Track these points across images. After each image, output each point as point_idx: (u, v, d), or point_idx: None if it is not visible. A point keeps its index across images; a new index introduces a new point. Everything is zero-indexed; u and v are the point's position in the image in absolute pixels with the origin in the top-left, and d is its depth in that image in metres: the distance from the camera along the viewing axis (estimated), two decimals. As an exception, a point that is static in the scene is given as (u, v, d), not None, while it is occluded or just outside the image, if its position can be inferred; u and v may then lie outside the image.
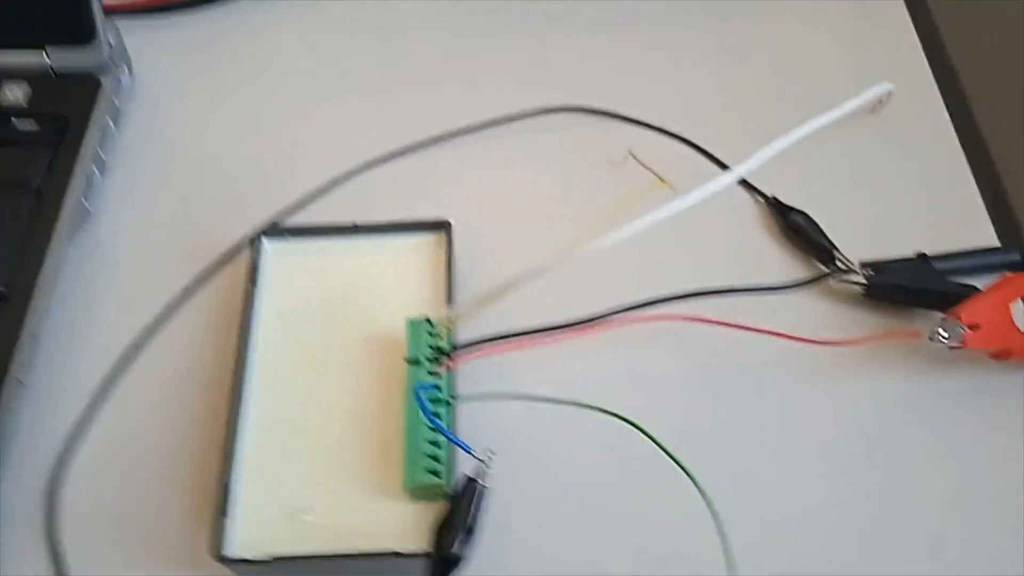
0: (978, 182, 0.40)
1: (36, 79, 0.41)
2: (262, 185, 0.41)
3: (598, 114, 0.43)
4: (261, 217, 0.40)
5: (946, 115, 0.42)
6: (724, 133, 0.42)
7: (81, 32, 0.41)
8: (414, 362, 0.32)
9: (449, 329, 0.33)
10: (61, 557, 0.32)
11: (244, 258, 0.38)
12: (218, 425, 0.33)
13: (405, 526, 0.31)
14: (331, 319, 0.35)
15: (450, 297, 0.35)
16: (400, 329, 0.34)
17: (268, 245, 0.37)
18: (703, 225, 0.38)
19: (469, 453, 0.29)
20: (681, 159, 0.41)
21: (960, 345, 0.33)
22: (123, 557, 0.32)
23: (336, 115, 0.44)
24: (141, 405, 0.36)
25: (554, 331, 0.31)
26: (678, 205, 0.31)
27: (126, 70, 0.43)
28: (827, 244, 0.37)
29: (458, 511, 0.29)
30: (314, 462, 0.32)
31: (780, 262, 0.38)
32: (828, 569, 0.31)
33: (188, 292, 0.38)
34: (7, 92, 0.41)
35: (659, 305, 0.33)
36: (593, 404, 0.29)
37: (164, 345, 0.37)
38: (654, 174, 0.36)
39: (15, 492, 0.34)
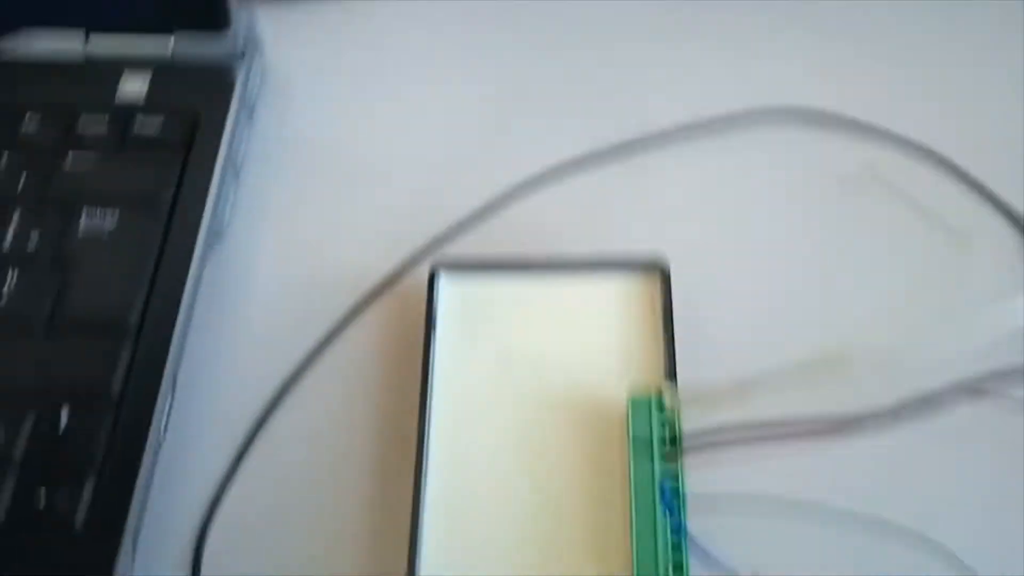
0: None
1: (160, 70, 0.35)
2: (419, 200, 0.35)
3: (826, 117, 0.36)
4: (420, 238, 0.34)
5: None
6: (988, 153, 0.34)
7: (214, 15, 0.34)
8: (642, 445, 0.27)
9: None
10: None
11: (406, 284, 0.33)
12: (390, 490, 0.29)
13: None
14: (517, 374, 0.30)
15: (670, 363, 0.29)
16: (609, 396, 0.28)
17: (444, 278, 0.31)
18: (954, 264, 0.31)
19: (727, 570, 0.24)
20: (934, 185, 0.34)
21: None
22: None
23: (503, 121, 0.37)
24: (292, 457, 0.31)
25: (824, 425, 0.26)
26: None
27: (260, 62, 0.37)
28: None
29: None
30: (514, 557, 0.27)
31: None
32: None
33: (340, 327, 0.33)
34: (126, 84, 0.35)
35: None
36: (866, 511, 0.24)
37: (318, 387, 0.32)
38: (935, 220, 0.29)
39: (156, 556, 0.29)
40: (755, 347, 0.29)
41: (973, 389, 0.26)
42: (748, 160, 0.35)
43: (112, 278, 0.31)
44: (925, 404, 0.26)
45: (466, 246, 0.34)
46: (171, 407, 0.31)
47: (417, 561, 0.26)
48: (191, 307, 0.32)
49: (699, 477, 0.27)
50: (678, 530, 0.25)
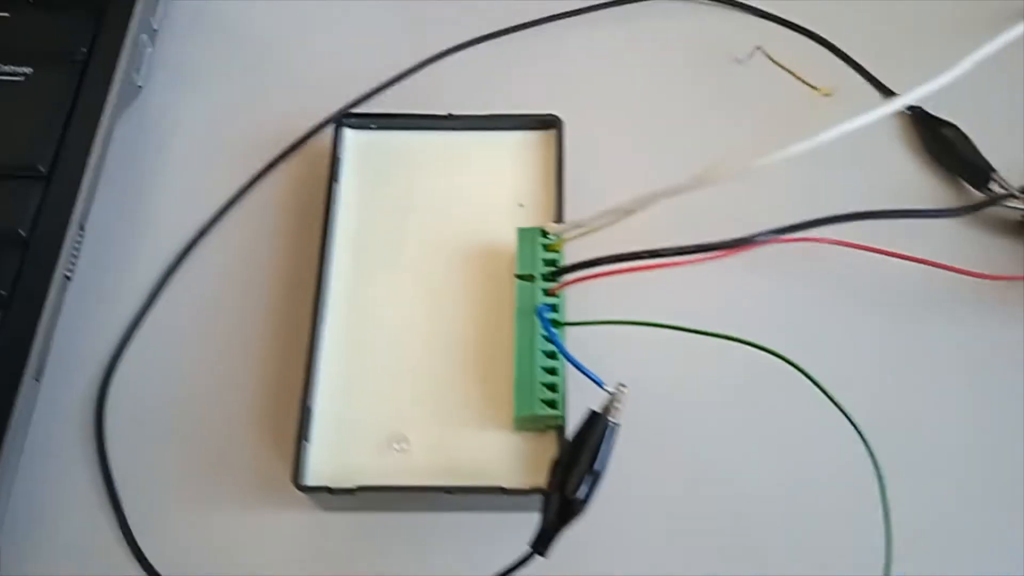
0: None
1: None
2: (336, 63, 0.36)
3: (721, 3, 0.38)
4: (334, 101, 0.35)
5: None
6: (865, 33, 0.36)
7: None
8: (525, 278, 0.28)
9: (566, 243, 0.29)
10: (109, 468, 0.29)
11: (315, 147, 0.34)
12: (291, 333, 0.30)
13: (512, 461, 0.27)
14: (423, 223, 0.31)
15: (559, 205, 0.30)
16: (502, 239, 0.30)
17: (350, 134, 0.32)
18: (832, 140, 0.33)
19: (599, 386, 0.25)
20: (816, 63, 0.36)
21: None
22: (181, 475, 0.29)
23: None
24: (200, 306, 0.32)
25: (690, 253, 0.27)
26: (848, 127, 0.26)
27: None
28: (983, 163, 0.33)
29: (582, 450, 0.25)
30: (407, 385, 0.29)
31: (921, 182, 0.34)
32: (979, 514, 0.28)
33: (253, 182, 0.34)
34: (41, -56, 0.35)
35: (802, 229, 0.29)
36: (733, 334, 0.26)
37: (228, 240, 0.33)
38: (798, 78, 0.31)
39: (60, 398, 0.30)
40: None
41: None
42: (647, 37, 0.37)
43: (24, 127, 0.32)
44: (778, 234, 0.28)
45: (376, 109, 0.35)
46: (78, 249, 0.32)
47: (312, 390, 0.28)
48: (102, 157, 0.33)
49: (577, 304, 0.29)
50: (553, 353, 0.27)
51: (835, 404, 0.25)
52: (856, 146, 0.34)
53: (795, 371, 0.25)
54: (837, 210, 0.30)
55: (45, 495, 0.29)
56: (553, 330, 0.26)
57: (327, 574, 0.28)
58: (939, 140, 0.34)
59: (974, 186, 0.33)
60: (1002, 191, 0.32)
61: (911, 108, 0.35)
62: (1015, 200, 0.32)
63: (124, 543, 0.28)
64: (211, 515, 0.28)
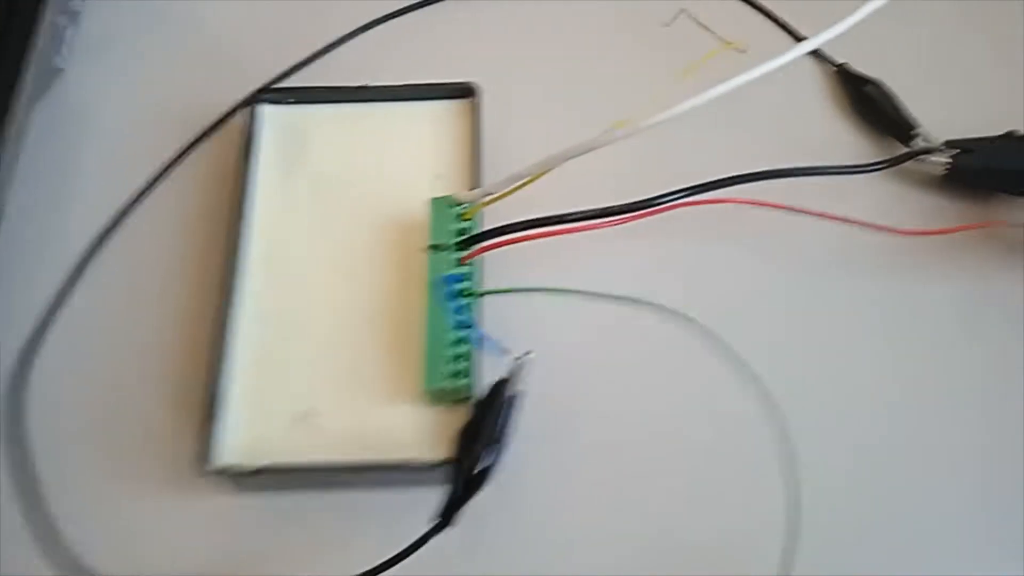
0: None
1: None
2: (258, 41, 0.36)
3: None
4: (257, 79, 0.35)
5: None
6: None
7: None
8: (437, 248, 0.28)
9: (479, 211, 0.29)
10: (27, 457, 0.29)
11: (236, 125, 0.33)
12: (209, 315, 0.30)
13: (423, 434, 0.27)
14: (339, 198, 0.31)
15: (477, 174, 0.30)
16: (420, 211, 0.29)
17: (266, 110, 0.32)
18: (758, 97, 0.33)
19: (502, 355, 0.25)
20: (740, 21, 0.36)
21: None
22: (98, 461, 0.29)
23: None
24: (120, 290, 0.32)
25: (597, 217, 0.27)
26: (747, 77, 0.26)
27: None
28: (906, 119, 0.32)
29: (486, 419, 0.25)
30: (320, 361, 0.28)
31: (847, 140, 0.34)
32: (896, 479, 0.28)
33: (173, 163, 0.34)
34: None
35: (715, 189, 0.29)
36: (645, 298, 0.25)
37: (146, 223, 0.33)
38: (716, 36, 0.31)
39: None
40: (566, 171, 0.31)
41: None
42: (574, 2, 0.36)
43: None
44: (693, 192, 0.28)
45: (299, 83, 0.35)
46: (-5, 233, 0.31)
47: (221, 372, 0.28)
48: (17, 142, 0.33)
49: (500, 271, 0.29)
50: (462, 323, 0.27)
51: (745, 366, 0.25)
52: (783, 105, 0.34)
53: (706, 334, 0.25)
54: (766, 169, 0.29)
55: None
56: (455, 300, 0.26)
57: (242, 553, 0.28)
58: (863, 97, 0.33)
59: (900, 142, 0.33)
60: (922, 146, 0.32)
61: (836, 66, 0.34)
62: (939, 154, 0.31)
63: (45, 531, 0.28)
64: (131, 500, 0.28)
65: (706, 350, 0.25)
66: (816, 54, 0.35)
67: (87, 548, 0.28)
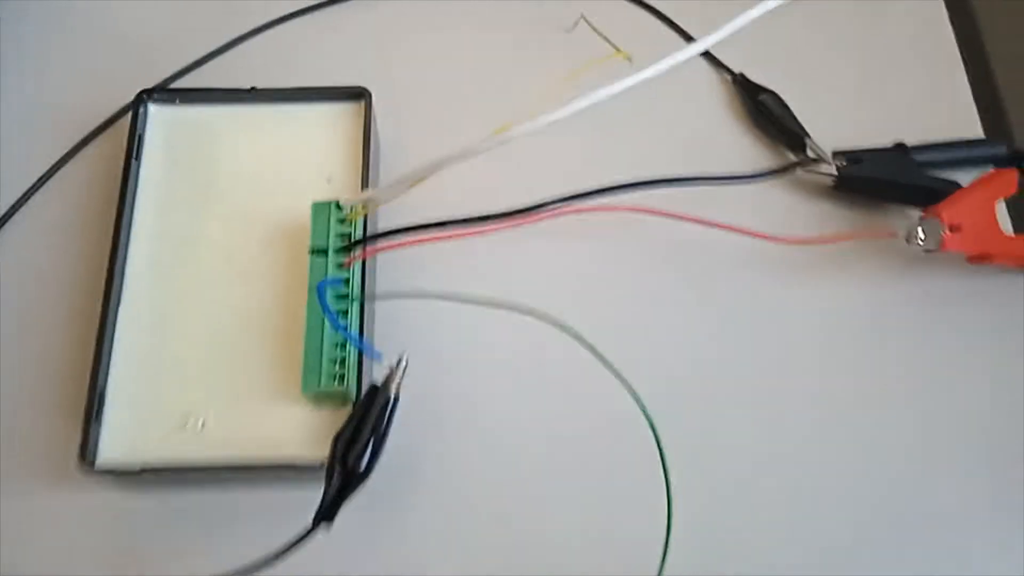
0: (966, 65, 0.36)
1: None
2: (152, 43, 0.35)
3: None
4: (148, 79, 0.34)
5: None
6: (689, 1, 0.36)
7: None
8: (319, 252, 0.28)
9: (363, 215, 0.28)
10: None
11: (125, 125, 0.33)
12: (92, 318, 0.29)
13: (304, 436, 0.27)
14: (228, 200, 0.30)
15: (366, 178, 0.30)
16: (307, 215, 0.29)
17: (153, 111, 0.31)
18: (660, 104, 0.33)
19: (374, 359, 0.25)
20: (641, 28, 0.36)
21: (938, 248, 0.29)
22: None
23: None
24: (3, 292, 0.31)
25: (484, 221, 0.27)
26: (633, 80, 0.26)
27: None
28: (798, 129, 0.33)
29: (364, 422, 0.25)
30: (203, 364, 0.28)
31: (744, 148, 0.34)
32: (781, 484, 0.28)
33: (59, 164, 0.33)
34: None
35: (606, 195, 0.29)
36: (525, 306, 0.25)
37: (31, 223, 0.32)
38: (608, 43, 0.31)
39: None
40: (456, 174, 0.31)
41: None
42: (476, 8, 0.36)
43: None
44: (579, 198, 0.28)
45: (192, 85, 0.34)
46: None
47: (102, 372, 0.27)
48: None
49: (389, 275, 0.29)
50: (337, 328, 0.27)
51: (614, 373, 0.24)
52: (683, 113, 0.34)
53: (580, 340, 0.25)
54: (651, 175, 0.29)
55: None
56: (328, 304, 0.26)
57: (126, 549, 0.27)
58: (759, 107, 0.34)
59: (791, 151, 0.33)
60: (812, 156, 0.32)
61: (733, 75, 0.35)
62: (826, 164, 0.32)
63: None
64: (14, 499, 0.28)
65: (579, 356, 0.25)
66: (715, 62, 0.35)
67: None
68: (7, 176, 0.33)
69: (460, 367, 0.29)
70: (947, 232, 0.29)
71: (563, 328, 0.25)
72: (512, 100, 0.33)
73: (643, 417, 0.24)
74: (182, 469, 0.26)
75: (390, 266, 0.30)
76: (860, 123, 0.34)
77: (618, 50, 0.30)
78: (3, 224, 0.32)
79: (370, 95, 0.31)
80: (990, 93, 0.35)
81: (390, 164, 0.31)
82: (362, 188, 0.30)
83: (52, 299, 0.31)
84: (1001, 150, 0.33)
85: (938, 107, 0.35)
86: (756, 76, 0.35)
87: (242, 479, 0.27)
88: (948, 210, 0.29)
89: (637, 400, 0.24)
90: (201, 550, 0.27)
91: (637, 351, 0.25)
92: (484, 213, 0.27)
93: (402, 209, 0.28)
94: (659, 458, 0.24)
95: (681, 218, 0.29)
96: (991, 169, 0.32)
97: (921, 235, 0.29)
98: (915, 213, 0.31)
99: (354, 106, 0.31)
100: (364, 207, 0.28)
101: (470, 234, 0.27)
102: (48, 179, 0.33)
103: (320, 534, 0.24)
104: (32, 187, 0.32)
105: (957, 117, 0.35)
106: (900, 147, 0.32)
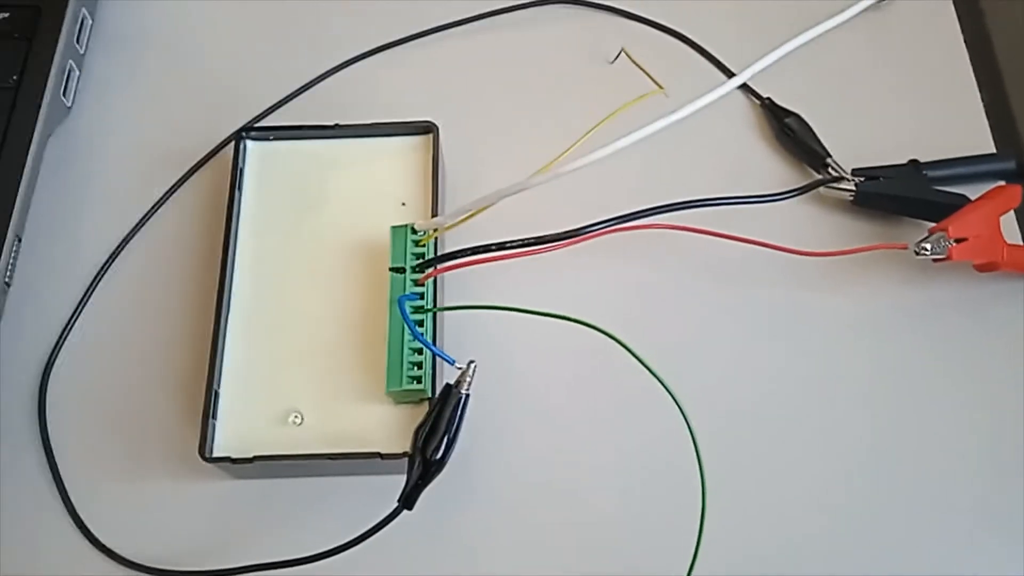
0: (980, 86, 0.39)
1: (2, -35, 0.39)
2: (246, 83, 0.40)
3: (594, 7, 0.41)
4: (244, 116, 0.39)
5: (952, 12, 0.41)
6: (723, 31, 0.40)
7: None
8: (397, 271, 0.32)
9: (434, 238, 0.33)
10: (51, 453, 0.33)
11: (226, 158, 0.38)
12: (204, 325, 0.34)
13: (388, 430, 0.32)
14: (316, 223, 0.35)
15: (436, 203, 0.34)
16: (386, 236, 0.33)
17: (251, 146, 0.36)
18: (694, 128, 0.36)
19: (449, 363, 0.30)
20: (678, 58, 0.40)
21: (945, 258, 0.33)
22: (112, 453, 0.33)
23: (317, 10, 0.42)
24: (127, 304, 0.36)
25: (539, 243, 0.31)
26: (674, 117, 0.30)
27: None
28: (820, 149, 0.36)
29: (440, 417, 0.29)
30: (300, 368, 0.33)
31: (772, 168, 0.38)
32: (806, 486, 0.32)
33: (171, 191, 0.38)
34: (-28, -20, 0.39)
35: (648, 215, 0.33)
36: (575, 317, 0.29)
37: (149, 244, 0.37)
38: (648, 76, 0.35)
39: (5, 394, 0.34)
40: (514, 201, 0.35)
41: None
42: (528, 43, 0.41)
43: (-37, 149, 0.36)
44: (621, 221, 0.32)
45: (279, 122, 0.39)
46: (15, 259, 0.36)
47: (217, 374, 0.32)
48: (34, 173, 0.37)
49: (459, 291, 0.33)
50: (416, 337, 0.31)
51: (656, 377, 0.28)
52: (716, 137, 0.38)
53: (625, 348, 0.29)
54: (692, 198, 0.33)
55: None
56: (409, 316, 0.30)
57: (235, 529, 0.32)
58: (784, 129, 0.37)
59: (814, 170, 0.37)
60: (832, 174, 0.36)
61: (761, 100, 0.38)
62: (846, 182, 0.35)
63: (68, 517, 0.32)
64: (141, 487, 0.33)
65: (623, 360, 0.28)
66: (745, 88, 0.39)
67: (106, 530, 0.32)
68: (127, 202, 0.38)
69: (518, 371, 0.33)
70: (953, 245, 0.33)
71: (609, 335, 0.29)
72: (562, 129, 0.37)
73: (680, 415, 0.28)
74: (283, 458, 0.31)
75: (458, 281, 0.34)
76: (881, 143, 0.37)
77: (657, 84, 0.33)
78: (125, 244, 0.37)
79: (437, 129, 0.35)
80: (1002, 110, 0.38)
81: (455, 189, 0.36)
82: (432, 213, 0.34)
83: (169, 309, 0.36)
84: (1010, 165, 0.36)
85: (953, 125, 0.38)
86: (782, 100, 0.38)
87: (334, 468, 0.31)
88: (954, 224, 0.33)
89: (675, 401, 0.28)
90: (299, 528, 0.32)
91: (676, 355, 0.29)
92: (538, 235, 0.32)
93: (467, 229, 0.33)
94: (695, 458, 0.28)
95: (715, 235, 0.33)
96: (999, 184, 0.35)
97: (927, 248, 0.33)
98: (927, 224, 0.34)
99: (423, 139, 0.36)
100: (435, 230, 0.32)
101: (527, 253, 0.31)
102: (161, 204, 0.38)
103: (402, 516, 0.29)
104: (149, 211, 0.38)
105: (972, 134, 0.38)
106: (914, 163, 0.36)
